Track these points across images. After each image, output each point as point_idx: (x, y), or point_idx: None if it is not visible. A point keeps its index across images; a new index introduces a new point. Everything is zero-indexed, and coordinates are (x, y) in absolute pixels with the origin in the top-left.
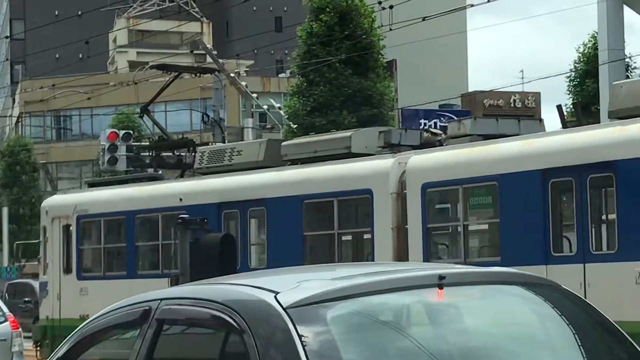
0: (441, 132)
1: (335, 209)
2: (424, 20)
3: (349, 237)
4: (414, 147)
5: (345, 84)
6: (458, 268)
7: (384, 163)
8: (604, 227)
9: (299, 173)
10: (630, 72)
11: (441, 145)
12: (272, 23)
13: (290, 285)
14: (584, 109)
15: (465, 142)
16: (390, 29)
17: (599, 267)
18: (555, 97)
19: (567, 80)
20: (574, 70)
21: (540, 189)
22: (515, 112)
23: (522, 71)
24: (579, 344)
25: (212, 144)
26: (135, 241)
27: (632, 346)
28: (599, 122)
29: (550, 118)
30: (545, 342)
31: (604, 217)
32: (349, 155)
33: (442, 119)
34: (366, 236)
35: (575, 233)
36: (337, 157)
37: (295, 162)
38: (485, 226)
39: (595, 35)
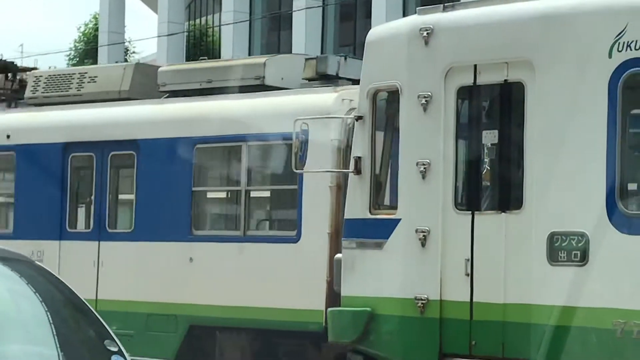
0: None
1: (244, 157)
2: None
3: (261, 194)
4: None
5: None
6: None
7: (323, 99)
8: None
9: (193, 108)
10: (130, 55)
11: None
12: None
13: None
14: None
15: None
16: None
17: None
18: None
19: (67, 58)
20: (73, 49)
21: None
22: None
23: (21, 45)
24: (51, 321)
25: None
26: None
27: (100, 322)
28: None
29: None
30: (16, 319)
31: None
32: (260, 87)
33: None
34: (289, 192)
35: None
36: (242, 89)
37: (177, 95)
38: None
39: (97, 16)
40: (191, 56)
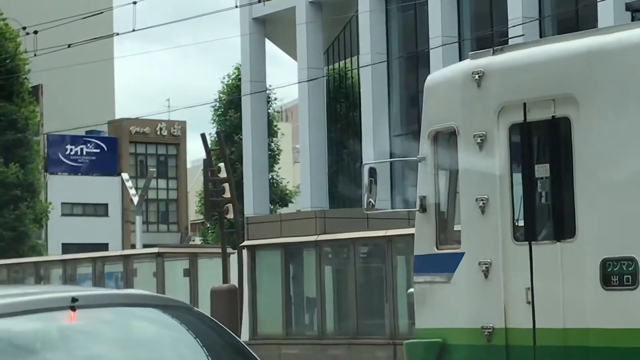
0: None
1: None
2: (69, 47)
3: None
4: None
5: None
6: (91, 290)
7: None
8: None
9: None
10: (271, 103)
11: None
12: None
13: None
14: (226, 138)
15: None
16: (35, 55)
17: None
18: (201, 125)
19: (212, 109)
20: (218, 100)
21: None
22: (162, 139)
23: (168, 100)
24: None
25: None
26: None
27: None
28: (241, 150)
29: (196, 145)
30: None
31: None
32: None
33: (88, 145)
34: None
35: None
36: None
37: None
38: None
39: (239, 67)
40: (332, 100)
